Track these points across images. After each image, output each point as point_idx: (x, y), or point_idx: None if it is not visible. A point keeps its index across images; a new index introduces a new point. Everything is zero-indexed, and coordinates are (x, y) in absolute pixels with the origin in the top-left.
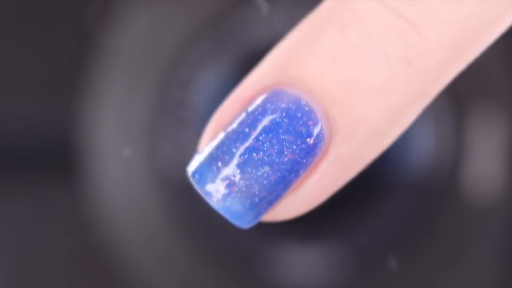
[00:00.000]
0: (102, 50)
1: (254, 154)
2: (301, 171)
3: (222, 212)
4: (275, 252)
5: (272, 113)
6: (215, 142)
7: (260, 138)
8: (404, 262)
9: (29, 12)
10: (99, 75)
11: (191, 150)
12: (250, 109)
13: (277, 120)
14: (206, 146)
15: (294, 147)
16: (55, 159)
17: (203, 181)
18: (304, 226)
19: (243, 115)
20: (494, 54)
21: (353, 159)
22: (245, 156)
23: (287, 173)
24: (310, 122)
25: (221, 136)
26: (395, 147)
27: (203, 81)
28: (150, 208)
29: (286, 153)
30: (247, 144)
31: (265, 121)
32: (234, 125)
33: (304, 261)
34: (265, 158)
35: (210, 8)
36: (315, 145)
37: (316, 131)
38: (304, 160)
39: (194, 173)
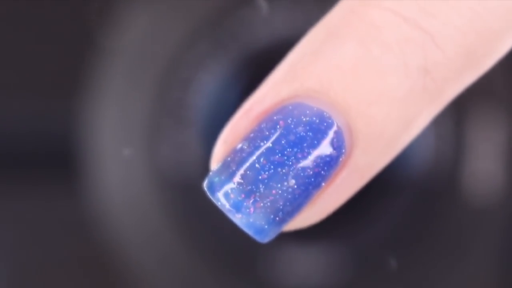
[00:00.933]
0: (102, 50)
1: (279, 169)
2: (323, 184)
3: (245, 228)
4: (275, 252)
5: (296, 126)
6: (234, 157)
7: (285, 152)
8: (404, 262)
9: (29, 12)
10: (99, 75)
11: (191, 150)
12: (269, 123)
13: (302, 133)
14: (221, 161)
15: (319, 160)
16: (55, 159)
17: (225, 199)
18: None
19: (263, 129)
20: None
21: (369, 167)
22: (270, 171)
23: (310, 187)
24: (334, 135)
25: (240, 150)
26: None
27: (203, 81)
28: (150, 208)
29: (311, 166)
30: (272, 158)
31: (289, 135)
32: (255, 139)
33: (304, 261)
34: (291, 172)
35: (210, 8)
36: (337, 157)
37: (339, 143)
38: (327, 173)
39: (214, 190)
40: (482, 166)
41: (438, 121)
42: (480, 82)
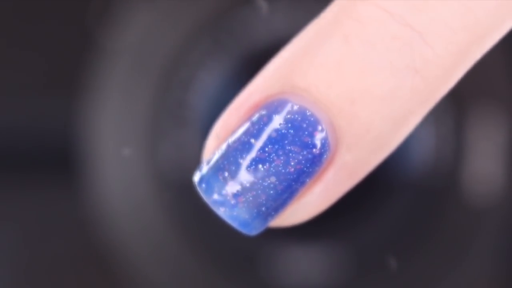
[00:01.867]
0: (102, 50)
1: (260, 165)
2: (307, 180)
3: (229, 220)
4: (275, 252)
5: (278, 123)
6: (220, 152)
7: (266, 149)
8: (404, 262)
9: (29, 12)
10: (99, 75)
11: (191, 150)
12: (254, 118)
13: (283, 131)
14: (211, 154)
15: (300, 157)
16: (55, 159)
17: (210, 191)
18: (303, 226)
19: (248, 125)
20: (494, 55)
21: (358, 166)
22: (252, 167)
23: (293, 183)
24: (316, 133)
25: (226, 145)
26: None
27: (203, 81)
28: (150, 208)
29: (292, 163)
30: (253, 155)
31: (271, 132)
32: (239, 135)
33: (304, 261)
34: (272, 169)
35: (210, 8)
36: (321, 154)
37: (322, 141)
38: (310, 170)
39: (200, 182)
40: (482, 166)
41: (439, 121)
42: (480, 82)
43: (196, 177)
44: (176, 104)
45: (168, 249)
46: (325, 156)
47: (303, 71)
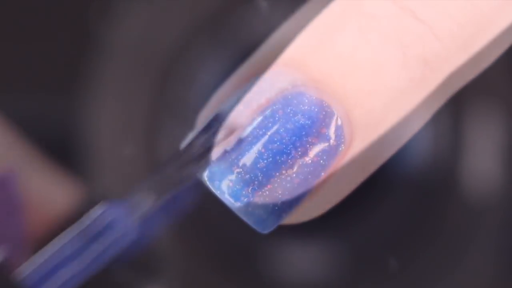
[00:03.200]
0: (102, 48)
1: (278, 157)
2: (322, 173)
3: (244, 217)
4: (274, 249)
5: (294, 115)
6: (233, 146)
7: (284, 141)
8: (403, 260)
9: (29, 10)
10: (98, 74)
11: None
12: (269, 111)
13: (300, 122)
14: (220, 151)
15: (317, 149)
16: (54, 158)
17: (224, 188)
18: (303, 223)
19: (263, 118)
20: None
21: (371, 159)
22: (269, 160)
23: (309, 176)
24: (333, 124)
25: (239, 140)
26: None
27: (202, 79)
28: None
29: (310, 155)
30: (270, 147)
31: (287, 124)
32: (254, 129)
33: (303, 259)
34: (289, 161)
35: (210, 6)
36: (337, 146)
37: (337, 132)
38: (326, 162)
39: (213, 179)
40: (480, 164)
41: (437, 119)
42: (479, 80)
43: (208, 175)
44: (175, 102)
45: (168, 246)
46: (340, 148)
47: (317, 63)
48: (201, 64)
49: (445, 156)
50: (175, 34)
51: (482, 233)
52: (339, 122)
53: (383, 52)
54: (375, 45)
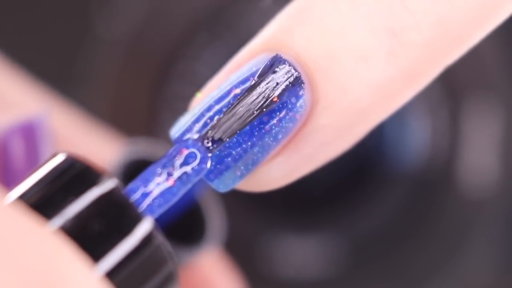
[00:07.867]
0: (100, 42)
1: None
2: (280, 136)
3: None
4: (271, 243)
5: (249, 71)
6: (198, 106)
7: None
8: (400, 253)
9: (29, 6)
10: (96, 68)
11: None
12: (233, 75)
13: (255, 80)
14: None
15: (274, 105)
16: None
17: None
18: (300, 217)
19: (225, 81)
20: (489, 46)
21: (335, 132)
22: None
23: (266, 137)
24: (296, 89)
25: (205, 100)
26: (390, 139)
27: (201, 74)
28: None
29: (266, 116)
30: (227, 106)
31: (246, 85)
32: (217, 90)
33: (300, 253)
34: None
35: (209, 2)
36: (294, 107)
37: (300, 98)
38: (284, 125)
39: (174, 133)
40: (477, 158)
41: (434, 113)
42: (475, 74)
43: (173, 128)
44: (173, 97)
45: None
46: (300, 112)
47: (286, 28)
48: (199, 57)
49: (442, 149)
50: (173, 28)
51: (478, 224)
52: (298, 80)
53: (350, 18)
54: (343, 11)
